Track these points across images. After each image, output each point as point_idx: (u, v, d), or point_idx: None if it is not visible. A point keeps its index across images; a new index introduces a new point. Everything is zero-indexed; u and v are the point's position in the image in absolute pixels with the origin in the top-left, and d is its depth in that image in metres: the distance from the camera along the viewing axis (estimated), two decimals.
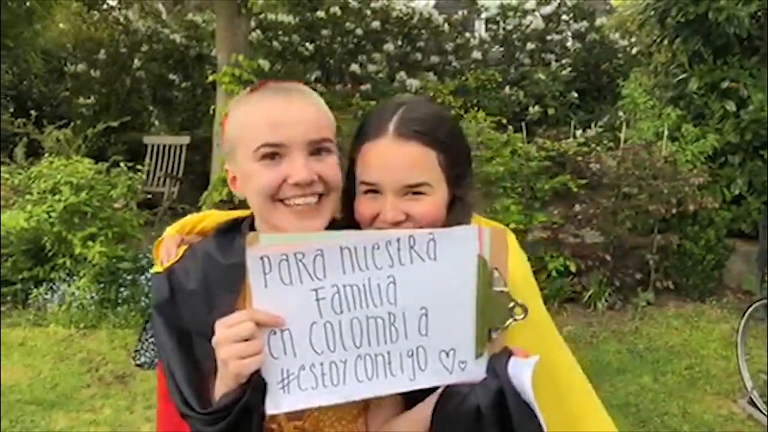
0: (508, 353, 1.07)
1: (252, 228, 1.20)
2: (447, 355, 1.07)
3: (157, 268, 1.22)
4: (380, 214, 1.14)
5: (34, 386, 4.14)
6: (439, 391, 1.08)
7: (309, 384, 1.04)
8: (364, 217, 1.16)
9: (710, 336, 4.92)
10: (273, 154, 1.10)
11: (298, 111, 1.12)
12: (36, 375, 4.28)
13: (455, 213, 1.18)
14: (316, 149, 1.12)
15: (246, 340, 1.00)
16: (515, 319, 1.07)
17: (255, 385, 1.02)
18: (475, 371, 1.07)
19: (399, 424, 1.16)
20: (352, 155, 1.19)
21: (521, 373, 1.03)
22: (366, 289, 1.04)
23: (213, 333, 1.03)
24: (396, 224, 1.13)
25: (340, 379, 1.05)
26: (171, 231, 1.30)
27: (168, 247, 1.25)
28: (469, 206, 1.21)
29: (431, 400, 1.10)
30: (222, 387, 1.04)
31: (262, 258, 1.01)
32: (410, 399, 1.15)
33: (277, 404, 1.04)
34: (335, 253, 1.02)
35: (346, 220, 1.21)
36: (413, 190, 1.14)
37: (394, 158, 1.13)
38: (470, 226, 1.08)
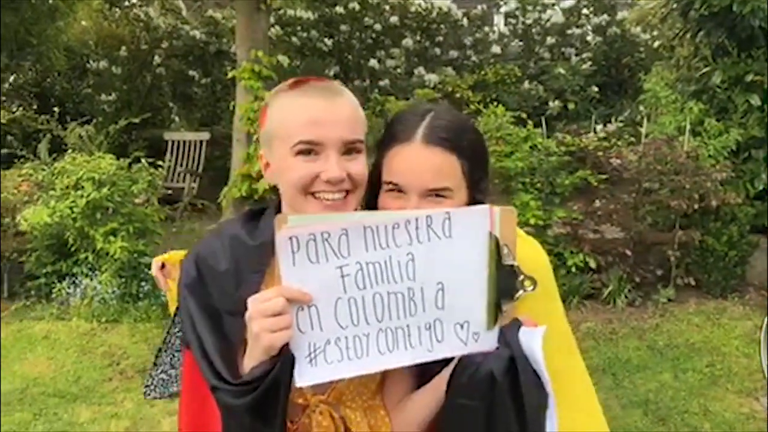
0: (518, 323, 1.13)
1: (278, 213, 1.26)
2: (461, 327, 1.13)
3: (172, 286, 1.50)
4: None
5: (57, 379, 4.21)
6: (453, 363, 1.14)
7: (335, 357, 1.10)
8: None
9: (732, 333, 4.85)
10: (309, 150, 1.17)
11: (336, 112, 1.18)
12: (59, 368, 4.36)
13: None
14: (349, 149, 1.19)
15: (277, 315, 1.06)
16: (525, 291, 1.13)
17: (284, 358, 1.07)
18: (488, 341, 1.13)
19: (415, 398, 1.22)
20: (378, 155, 1.27)
21: (531, 341, 1.10)
22: (387, 266, 1.10)
23: (243, 310, 1.09)
24: None
25: (363, 351, 1.11)
26: (158, 259, 1.65)
27: (157, 272, 1.63)
28: None
29: (445, 373, 1.15)
30: (251, 361, 1.10)
31: (290, 238, 1.06)
32: (424, 376, 1.21)
33: (305, 377, 1.10)
34: (359, 233, 1.08)
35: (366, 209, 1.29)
36: (436, 193, 1.21)
37: (421, 163, 1.21)
38: (482, 206, 1.15)
